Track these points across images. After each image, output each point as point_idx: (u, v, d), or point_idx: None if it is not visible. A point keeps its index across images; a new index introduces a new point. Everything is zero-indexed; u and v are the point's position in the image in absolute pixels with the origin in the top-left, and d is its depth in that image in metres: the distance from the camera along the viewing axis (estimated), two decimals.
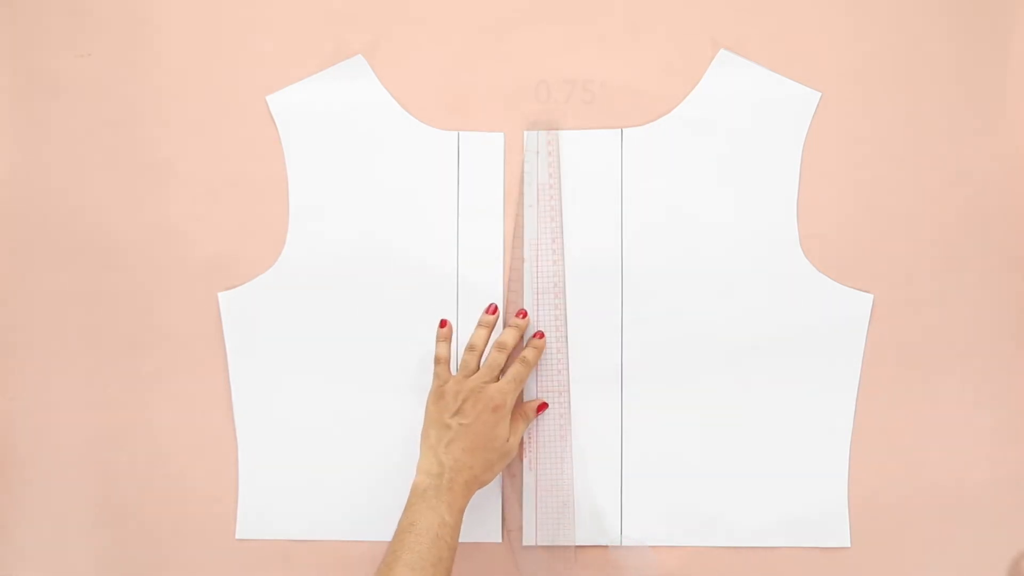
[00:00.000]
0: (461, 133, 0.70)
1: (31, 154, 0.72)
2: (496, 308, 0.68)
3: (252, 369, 0.70)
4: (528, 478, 0.68)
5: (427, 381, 0.68)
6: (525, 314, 0.68)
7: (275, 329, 0.70)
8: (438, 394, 0.65)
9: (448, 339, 0.68)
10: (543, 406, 0.68)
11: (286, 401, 0.70)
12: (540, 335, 0.68)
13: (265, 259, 0.70)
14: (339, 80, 0.70)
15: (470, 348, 0.66)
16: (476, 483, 0.62)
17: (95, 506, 0.70)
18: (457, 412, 0.63)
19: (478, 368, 0.66)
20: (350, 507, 0.69)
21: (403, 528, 0.59)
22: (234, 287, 0.70)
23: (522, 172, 0.70)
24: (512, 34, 0.70)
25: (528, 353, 0.67)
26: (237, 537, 0.69)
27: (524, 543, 0.68)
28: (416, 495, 0.61)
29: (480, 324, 0.68)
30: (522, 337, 0.68)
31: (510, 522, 0.68)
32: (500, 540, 0.68)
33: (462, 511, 0.61)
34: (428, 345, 0.68)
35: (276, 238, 0.70)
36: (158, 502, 0.70)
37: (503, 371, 0.66)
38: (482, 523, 0.68)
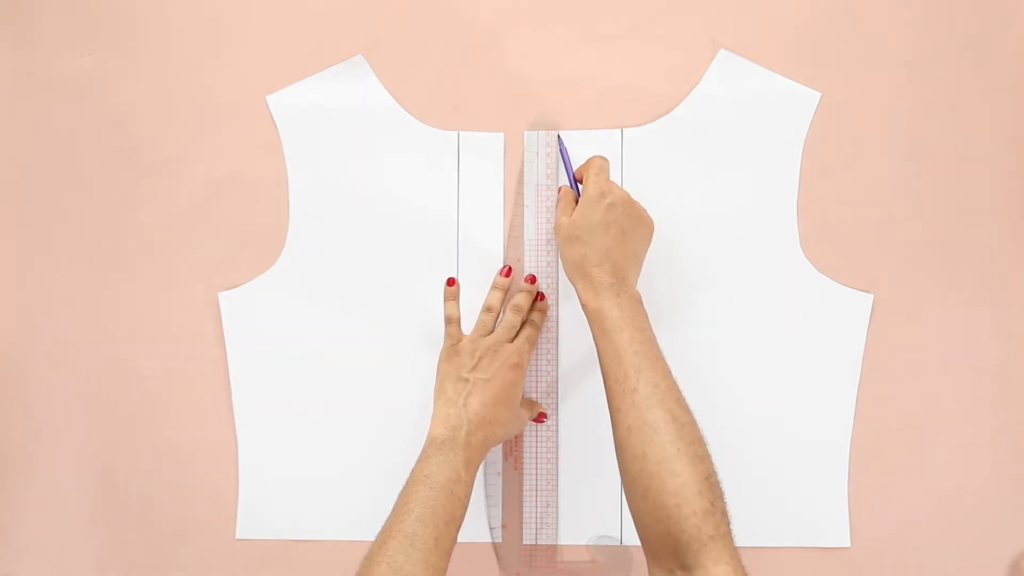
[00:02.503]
0: (461, 133, 0.70)
1: (31, 154, 0.72)
2: (510, 270, 0.68)
3: (252, 369, 0.70)
4: (515, 477, 0.68)
5: (428, 380, 0.67)
6: (535, 279, 0.68)
7: (275, 329, 0.70)
8: (452, 351, 0.64)
9: (456, 298, 0.68)
10: (542, 416, 0.68)
11: (286, 401, 0.70)
12: (542, 297, 0.68)
13: (265, 259, 0.70)
14: (339, 80, 0.71)
15: (487, 309, 0.66)
16: (492, 442, 0.62)
17: (95, 506, 0.70)
18: (475, 368, 0.63)
19: (494, 329, 0.66)
20: (350, 507, 0.69)
21: (417, 479, 0.57)
22: (234, 287, 0.70)
23: (522, 172, 0.70)
24: (512, 34, 0.70)
25: (535, 316, 0.67)
26: (237, 537, 0.69)
27: (524, 542, 0.68)
28: (433, 446, 0.59)
29: (495, 286, 0.68)
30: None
31: (492, 520, 0.68)
32: (500, 540, 0.68)
33: (476, 470, 0.60)
34: (428, 345, 0.68)
35: (276, 238, 0.70)
36: (158, 502, 0.70)
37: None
38: (482, 523, 0.68)
